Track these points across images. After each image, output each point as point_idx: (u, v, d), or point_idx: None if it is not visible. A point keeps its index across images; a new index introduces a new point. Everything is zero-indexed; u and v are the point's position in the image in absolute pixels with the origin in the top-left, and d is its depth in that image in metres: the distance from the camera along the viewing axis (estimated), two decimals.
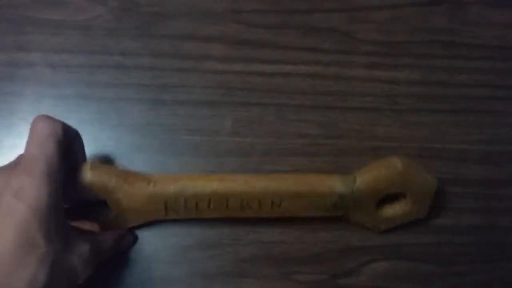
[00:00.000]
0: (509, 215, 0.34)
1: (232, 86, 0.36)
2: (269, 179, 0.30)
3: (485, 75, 0.37)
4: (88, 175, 0.28)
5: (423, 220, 0.33)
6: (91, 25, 0.37)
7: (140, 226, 0.32)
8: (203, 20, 0.37)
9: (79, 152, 0.29)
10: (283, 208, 0.31)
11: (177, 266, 0.32)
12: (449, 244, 0.34)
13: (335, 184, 0.30)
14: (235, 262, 0.33)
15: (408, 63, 0.37)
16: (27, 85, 0.35)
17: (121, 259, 0.32)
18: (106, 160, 0.34)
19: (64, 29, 0.36)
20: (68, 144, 0.27)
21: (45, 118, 0.26)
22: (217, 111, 0.35)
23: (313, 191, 0.30)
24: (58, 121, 0.27)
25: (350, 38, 0.38)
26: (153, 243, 0.32)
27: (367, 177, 0.31)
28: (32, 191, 0.24)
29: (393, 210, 0.32)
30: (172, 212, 0.30)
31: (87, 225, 0.30)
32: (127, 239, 0.32)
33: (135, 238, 0.32)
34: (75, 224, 0.29)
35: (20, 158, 0.27)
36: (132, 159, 0.34)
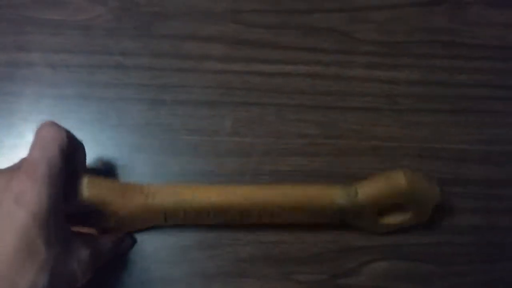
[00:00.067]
0: (509, 215, 0.34)
1: (232, 86, 0.36)
2: (269, 192, 0.30)
3: (485, 75, 0.37)
4: (86, 190, 0.28)
5: None
6: (91, 25, 0.37)
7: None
8: (203, 20, 0.37)
9: (80, 163, 0.29)
10: (283, 218, 0.31)
11: (176, 266, 0.32)
12: (449, 244, 0.34)
13: (336, 197, 0.30)
14: (235, 262, 0.32)
15: (408, 63, 0.37)
16: (27, 85, 0.35)
17: (120, 259, 0.32)
18: (106, 161, 0.34)
19: (64, 29, 0.36)
20: (71, 153, 0.27)
21: (52, 125, 0.26)
22: (217, 111, 0.35)
23: (313, 204, 0.30)
24: (64, 128, 0.27)
25: (350, 38, 0.38)
26: (152, 243, 0.32)
27: (369, 191, 0.30)
28: (32, 196, 0.24)
29: (394, 218, 0.32)
30: (172, 221, 0.31)
31: (86, 229, 0.30)
32: (126, 242, 0.32)
33: (134, 241, 0.32)
34: (75, 228, 0.29)
35: (22, 161, 0.27)
36: (131, 159, 0.34)
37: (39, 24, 0.36)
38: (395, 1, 0.39)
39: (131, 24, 0.37)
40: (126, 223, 0.31)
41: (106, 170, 0.33)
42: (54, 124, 0.27)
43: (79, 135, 0.28)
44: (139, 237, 0.32)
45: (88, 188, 0.28)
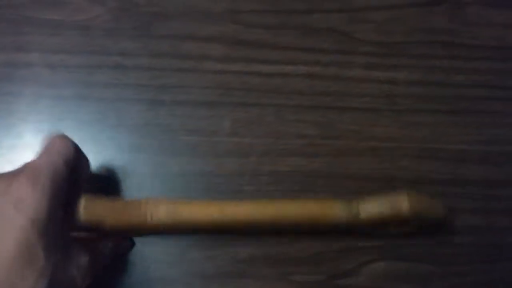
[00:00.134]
0: (508, 215, 0.34)
1: (231, 86, 0.36)
2: (269, 209, 0.30)
3: (484, 76, 0.37)
4: (82, 213, 0.28)
5: None
6: (90, 26, 0.37)
7: None
8: (202, 20, 0.37)
9: (82, 180, 0.29)
10: (283, 230, 0.32)
11: (176, 266, 0.32)
12: (448, 244, 0.34)
13: (337, 215, 0.30)
14: (234, 263, 0.32)
15: (407, 64, 0.37)
16: (26, 86, 0.35)
17: (120, 260, 0.32)
18: (105, 162, 0.34)
19: (63, 30, 0.36)
20: (76, 167, 0.27)
21: (62, 137, 0.27)
22: (216, 112, 0.35)
23: (313, 220, 0.30)
24: (73, 142, 0.27)
25: (349, 38, 0.38)
26: (152, 244, 0.32)
27: (371, 211, 0.30)
28: (32, 202, 0.24)
29: (396, 230, 0.32)
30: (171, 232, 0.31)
31: (84, 234, 0.30)
32: (125, 246, 0.32)
33: (133, 244, 0.32)
34: (74, 233, 0.29)
35: (24, 166, 0.27)
36: (131, 159, 0.34)
37: (38, 25, 0.36)
38: (394, 1, 0.39)
39: (130, 24, 0.37)
40: (124, 235, 0.32)
41: (106, 173, 0.33)
42: (64, 137, 0.27)
43: (78, 135, 0.28)
44: (138, 237, 0.32)
45: (85, 210, 0.28)
